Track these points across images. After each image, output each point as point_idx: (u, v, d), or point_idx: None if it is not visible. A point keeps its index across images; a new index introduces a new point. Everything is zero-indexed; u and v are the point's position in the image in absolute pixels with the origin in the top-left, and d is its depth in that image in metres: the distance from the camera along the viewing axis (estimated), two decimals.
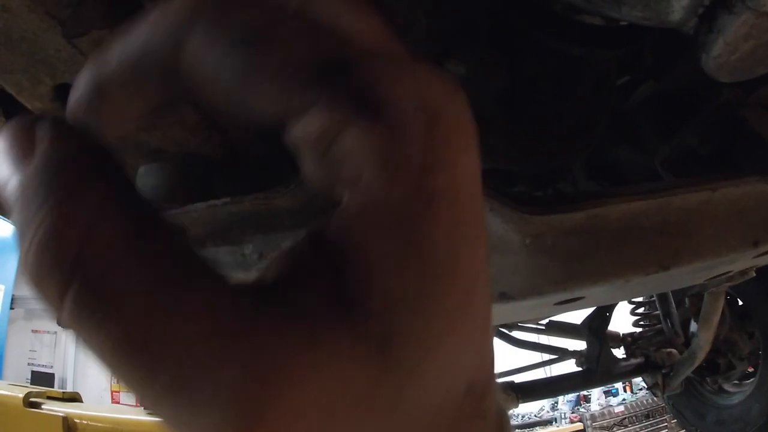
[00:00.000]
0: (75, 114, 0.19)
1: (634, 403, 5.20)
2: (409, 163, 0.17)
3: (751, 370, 2.34)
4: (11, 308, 6.19)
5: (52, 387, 5.07)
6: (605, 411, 5.23)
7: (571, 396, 5.45)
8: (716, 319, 1.70)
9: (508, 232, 0.54)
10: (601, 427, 5.08)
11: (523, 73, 0.83)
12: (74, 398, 1.38)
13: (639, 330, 2.23)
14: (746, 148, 0.81)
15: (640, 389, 5.26)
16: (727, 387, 2.43)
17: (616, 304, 1.93)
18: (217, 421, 0.14)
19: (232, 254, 0.67)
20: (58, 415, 1.18)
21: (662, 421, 4.82)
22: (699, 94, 0.89)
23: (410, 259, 0.16)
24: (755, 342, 2.25)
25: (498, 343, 2.10)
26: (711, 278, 1.02)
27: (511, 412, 4.23)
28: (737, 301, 2.30)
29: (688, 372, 1.91)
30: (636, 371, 2.01)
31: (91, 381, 6.55)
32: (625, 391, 5.50)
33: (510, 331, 2.13)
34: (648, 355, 2.00)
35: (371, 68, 0.17)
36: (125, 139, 0.60)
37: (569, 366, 2.07)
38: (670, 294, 2.07)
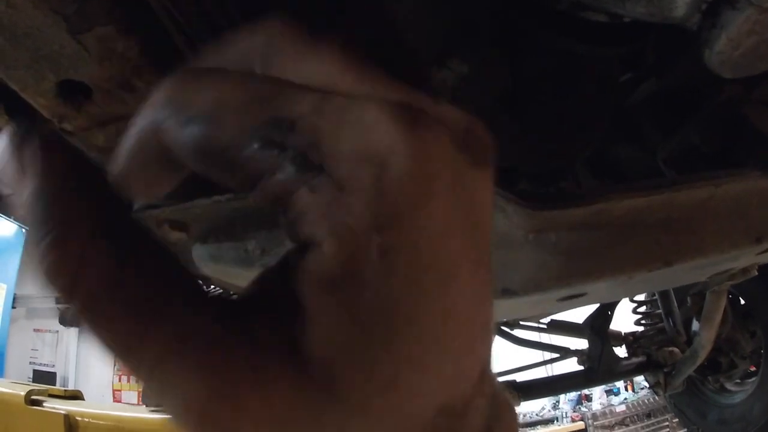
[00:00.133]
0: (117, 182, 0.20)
1: (635, 403, 5.20)
2: (354, 219, 0.16)
3: (752, 369, 2.34)
4: (13, 307, 6.20)
5: (54, 385, 5.07)
6: (607, 410, 5.23)
7: (573, 395, 5.45)
8: (718, 317, 1.70)
9: (511, 227, 0.54)
10: (603, 426, 5.07)
11: (525, 72, 0.83)
12: (76, 396, 1.38)
13: (641, 329, 2.23)
14: (748, 145, 0.81)
15: (642, 388, 5.25)
16: (728, 386, 2.43)
17: (617, 302, 1.92)
18: (174, 410, 0.17)
19: (235, 250, 0.68)
20: (60, 413, 1.18)
21: (664, 421, 4.82)
22: (701, 92, 0.89)
23: (354, 316, 0.16)
24: (757, 341, 2.25)
25: (499, 342, 2.10)
26: (714, 275, 1.02)
27: None
28: (739, 300, 2.30)
29: (689, 371, 1.91)
30: (638, 370, 2.01)
31: (93, 379, 6.56)
32: (626, 390, 5.49)
33: (512, 330, 2.12)
34: (650, 353, 2.00)
35: (312, 124, 0.17)
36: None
37: (571, 365, 2.07)
38: (672, 292, 2.06)
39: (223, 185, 0.20)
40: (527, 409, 5.54)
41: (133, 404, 5.35)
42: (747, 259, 0.85)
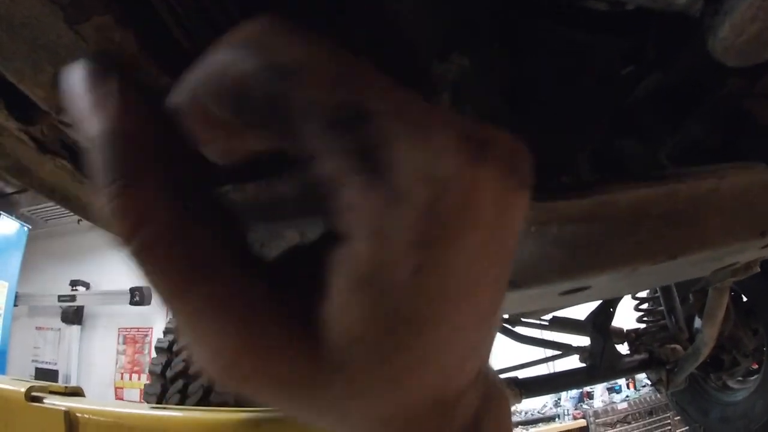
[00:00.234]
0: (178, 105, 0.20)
1: (637, 400, 5.19)
2: (400, 232, 0.16)
3: (755, 366, 2.33)
4: (15, 305, 6.21)
5: (56, 383, 5.08)
6: (608, 408, 5.22)
7: (574, 392, 5.44)
8: (721, 315, 1.69)
9: None
10: (605, 424, 5.07)
11: (526, 65, 0.83)
12: (76, 393, 1.37)
13: (643, 326, 2.22)
14: (751, 138, 0.80)
15: (644, 386, 5.24)
16: (731, 383, 2.42)
17: (620, 299, 1.92)
18: (200, 356, 0.19)
19: None
20: (60, 409, 1.17)
21: (666, 418, 4.81)
22: (703, 86, 0.88)
23: (374, 312, 0.17)
24: (759, 338, 2.25)
25: (501, 339, 2.10)
26: (716, 271, 1.01)
27: (514, 408, 4.22)
28: (742, 298, 2.29)
29: (692, 368, 1.91)
30: (640, 367, 2.00)
31: (95, 377, 6.57)
32: (628, 387, 5.48)
33: (513, 327, 2.12)
34: (652, 351, 2.00)
35: (386, 126, 0.17)
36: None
37: (573, 362, 2.06)
38: (675, 290, 2.06)
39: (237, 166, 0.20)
40: (529, 406, 5.54)
41: (134, 402, 5.36)
42: (751, 253, 0.85)
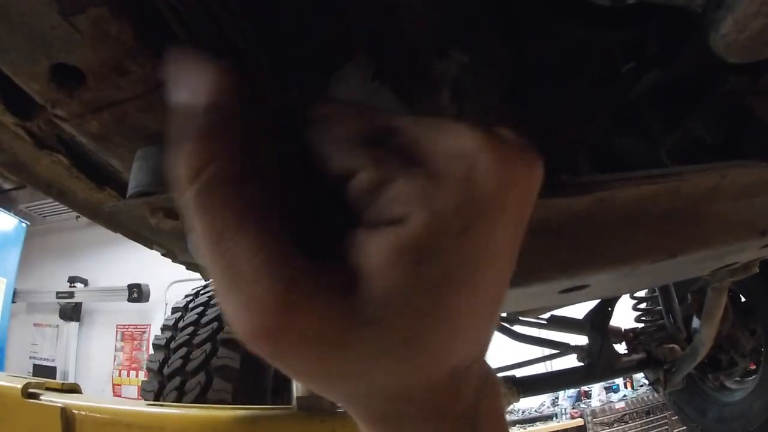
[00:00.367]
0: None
1: (634, 400, 5.19)
2: (444, 201, 0.20)
3: (752, 367, 2.33)
4: (13, 302, 6.20)
5: (54, 380, 5.07)
6: (606, 407, 5.22)
7: (572, 391, 5.44)
8: (719, 315, 1.69)
9: None
10: (602, 423, 5.07)
11: (526, 61, 0.82)
12: (73, 389, 1.37)
13: (641, 325, 2.22)
14: (752, 136, 0.79)
15: (641, 386, 5.25)
16: (728, 384, 2.42)
17: (618, 298, 1.92)
18: (234, 305, 0.20)
19: None
20: (57, 406, 1.17)
21: (663, 418, 4.82)
22: (704, 83, 0.88)
23: (420, 275, 0.20)
24: (757, 339, 2.25)
25: (499, 338, 2.10)
26: (716, 270, 1.01)
27: (511, 407, 4.22)
28: (740, 298, 2.29)
29: (689, 368, 1.91)
30: (637, 367, 2.00)
31: (93, 374, 6.56)
32: (625, 387, 5.49)
33: (511, 326, 2.12)
34: (650, 350, 1.99)
35: (414, 130, 0.22)
36: (123, 122, 0.59)
37: (570, 361, 2.06)
38: (673, 289, 2.06)
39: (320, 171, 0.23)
40: (526, 405, 5.54)
41: (132, 398, 5.36)
42: (751, 252, 0.84)
